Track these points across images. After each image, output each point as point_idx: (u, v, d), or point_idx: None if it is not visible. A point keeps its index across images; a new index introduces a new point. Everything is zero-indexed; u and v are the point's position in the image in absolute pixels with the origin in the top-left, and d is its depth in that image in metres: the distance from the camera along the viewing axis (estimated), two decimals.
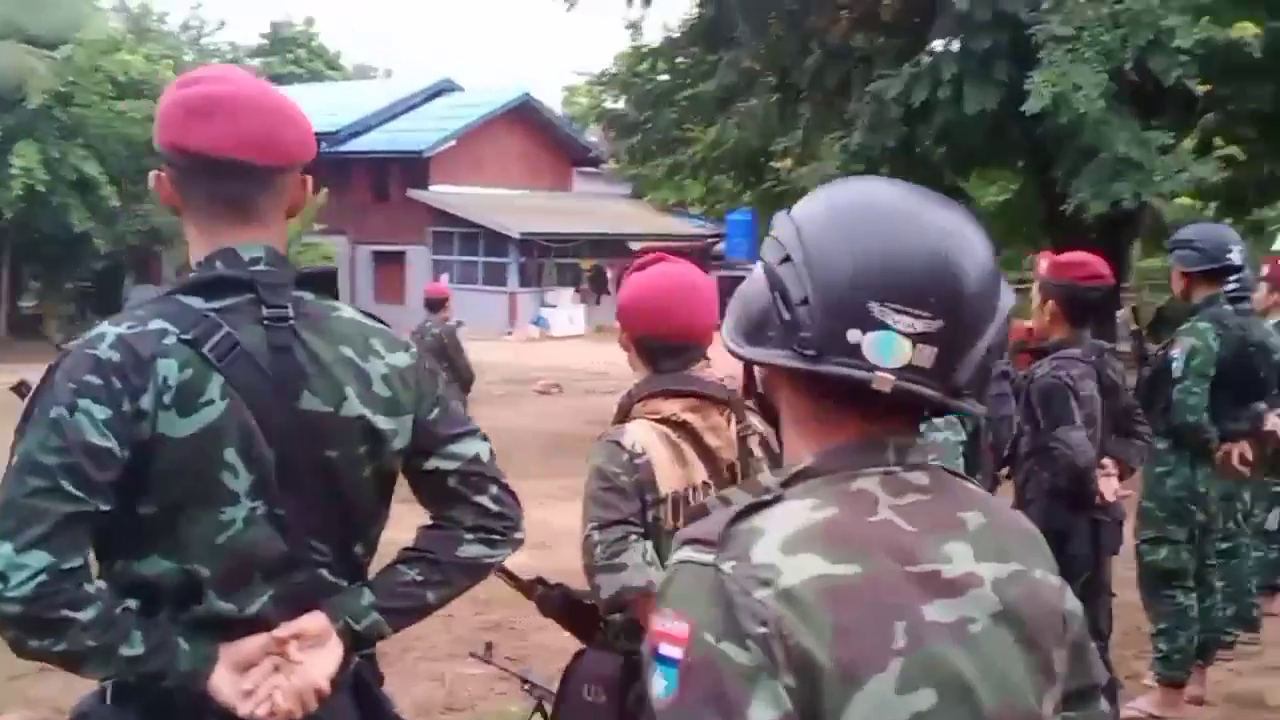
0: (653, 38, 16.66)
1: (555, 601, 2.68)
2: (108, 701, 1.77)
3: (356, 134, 30.78)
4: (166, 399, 1.68)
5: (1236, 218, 12.96)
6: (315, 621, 1.79)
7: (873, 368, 1.14)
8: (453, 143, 29.79)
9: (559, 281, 29.87)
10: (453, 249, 29.77)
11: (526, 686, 3.42)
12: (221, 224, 1.82)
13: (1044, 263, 4.08)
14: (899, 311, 1.14)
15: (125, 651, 1.64)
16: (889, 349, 1.14)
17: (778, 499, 1.17)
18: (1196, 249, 4.78)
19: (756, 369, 1.31)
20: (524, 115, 32.03)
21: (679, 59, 15.28)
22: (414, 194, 29.48)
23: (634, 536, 2.37)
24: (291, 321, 1.79)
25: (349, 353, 1.83)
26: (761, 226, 28.25)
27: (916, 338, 1.14)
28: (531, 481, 10.75)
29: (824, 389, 1.19)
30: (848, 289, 1.15)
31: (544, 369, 20.01)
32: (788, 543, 1.12)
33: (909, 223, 1.17)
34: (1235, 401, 4.79)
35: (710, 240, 32.99)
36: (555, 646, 6.51)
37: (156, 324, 1.72)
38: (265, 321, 1.77)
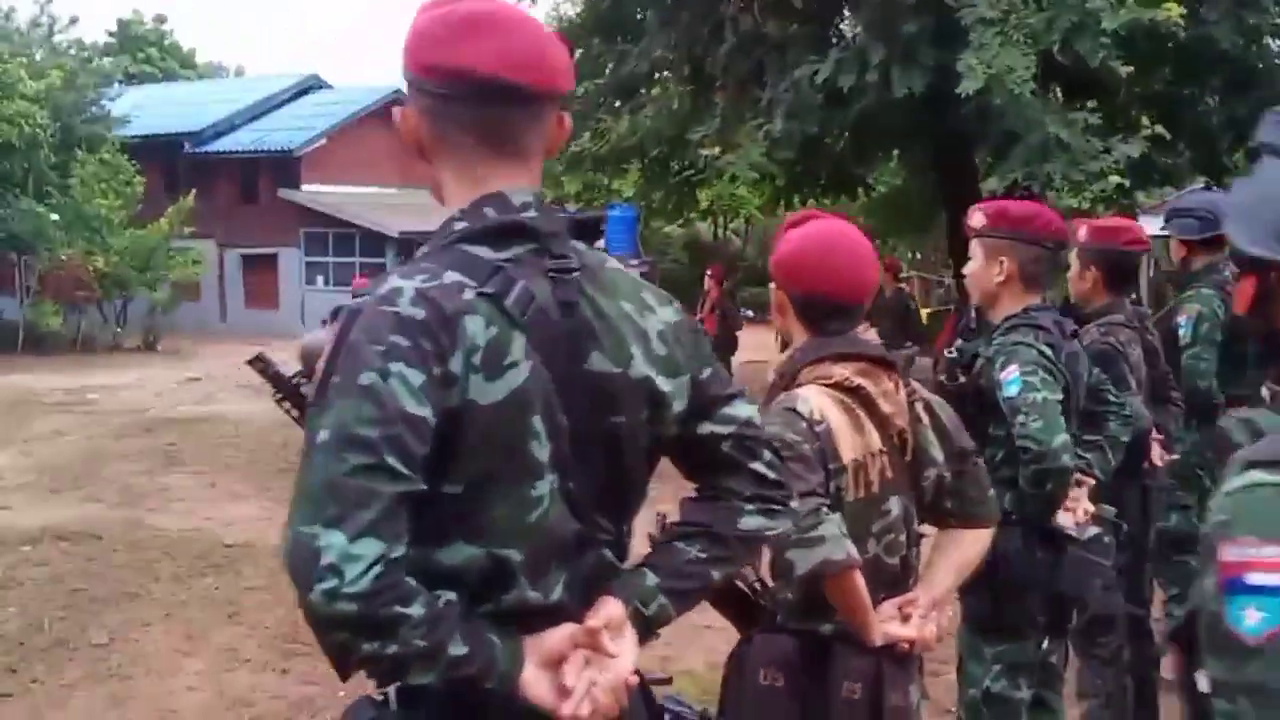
0: None
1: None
2: (393, 708, 1.56)
3: (221, 134, 29.76)
4: (476, 360, 1.49)
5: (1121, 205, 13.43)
6: (616, 608, 1.61)
7: None
8: (323, 141, 29.03)
9: None
10: (327, 250, 28.99)
11: None
12: (483, 163, 1.63)
13: (1082, 230, 4.07)
14: None
15: (453, 651, 1.43)
16: None
17: None
18: (1197, 217, 4.86)
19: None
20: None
21: (578, 50, 15.10)
22: (285, 194, 28.63)
23: (825, 508, 2.25)
24: (576, 273, 1.62)
25: (628, 307, 1.66)
26: (660, 216, 28.33)
27: None
28: None
29: None
30: None
31: None
32: None
33: None
34: (1236, 366, 4.90)
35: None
36: None
37: (452, 276, 1.52)
38: (551, 273, 1.59)
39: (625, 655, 1.58)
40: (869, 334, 2.48)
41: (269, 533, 8.64)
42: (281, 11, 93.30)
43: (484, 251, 1.57)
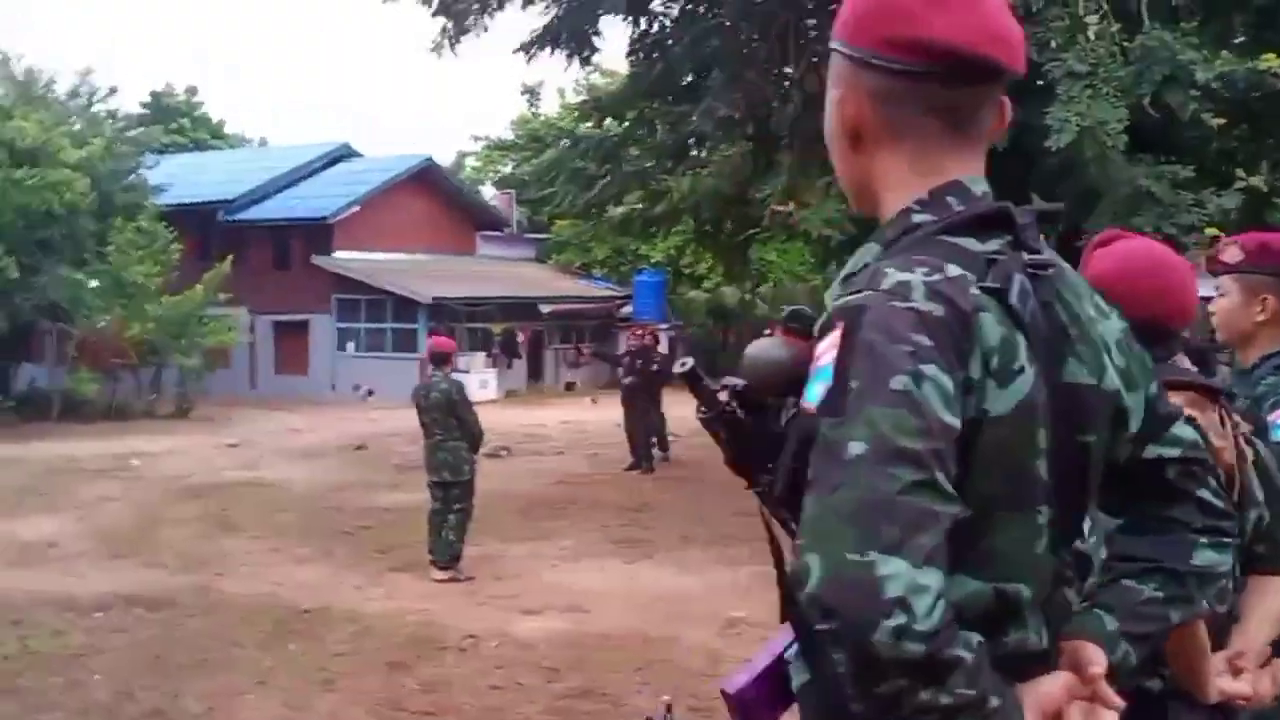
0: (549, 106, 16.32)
1: None
2: None
3: (254, 202, 29.88)
4: (991, 364, 1.30)
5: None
6: (1100, 655, 1.39)
7: None
8: (356, 208, 29.08)
9: (470, 346, 29.19)
10: (359, 316, 28.92)
11: None
12: (942, 148, 1.44)
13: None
14: None
15: (993, 702, 1.21)
16: None
17: None
18: None
19: None
20: (426, 180, 31.55)
21: (627, 114, 15.15)
22: (318, 261, 28.64)
23: None
24: (1051, 270, 1.42)
25: (1091, 311, 1.47)
26: (688, 281, 28.23)
27: None
28: (529, 544, 10.28)
29: None
30: None
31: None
32: None
33: None
34: None
35: (619, 302, 32.87)
36: (651, 709, 6.08)
37: (954, 269, 1.33)
38: (1030, 270, 1.39)
39: (1119, 707, 1.36)
40: (1184, 361, 2.28)
41: (345, 597, 8.42)
42: (305, 85, 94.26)
43: (970, 243, 1.38)
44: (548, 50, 13.89)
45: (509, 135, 38.52)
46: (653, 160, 14.51)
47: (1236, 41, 9.05)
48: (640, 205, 14.34)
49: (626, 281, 34.78)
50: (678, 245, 32.46)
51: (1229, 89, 8.35)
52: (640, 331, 15.30)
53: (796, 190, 11.00)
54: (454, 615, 7.90)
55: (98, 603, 8.16)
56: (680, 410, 18.97)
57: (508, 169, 38.02)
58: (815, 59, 11.32)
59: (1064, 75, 8.60)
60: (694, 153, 14.93)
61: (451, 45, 15.75)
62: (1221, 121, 8.48)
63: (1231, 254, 3.01)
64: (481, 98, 79.27)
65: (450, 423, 8.91)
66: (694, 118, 11.99)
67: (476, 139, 39.66)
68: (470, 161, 41.98)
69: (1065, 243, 13.73)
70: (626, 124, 15.17)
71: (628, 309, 33.17)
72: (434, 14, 15.71)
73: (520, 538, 10.52)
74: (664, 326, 33.11)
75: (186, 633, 7.49)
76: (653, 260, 34.09)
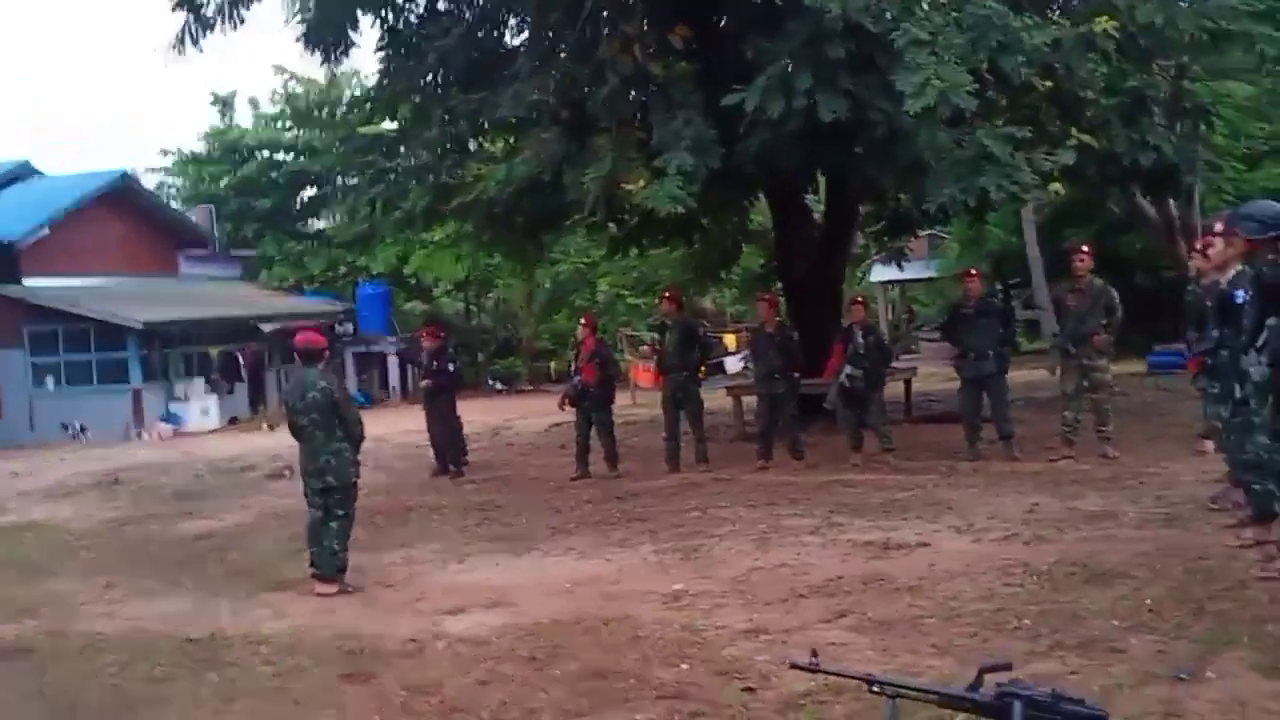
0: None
1: None
2: None
3: None
4: None
5: None
6: None
7: None
8: (46, 231, 26.50)
9: (186, 372, 27.24)
10: (57, 348, 26.42)
11: (875, 688, 3.05)
12: None
13: None
14: None
15: None
16: None
17: None
18: (1257, 220, 5.88)
19: None
20: (123, 198, 29.17)
21: (402, 107, 14.67)
22: (4, 290, 25.91)
23: None
24: None
25: None
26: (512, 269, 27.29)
27: None
28: (397, 552, 9.69)
29: None
30: None
31: (235, 458, 18.06)
32: None
33: None
34: None
35: (341, 316, 31.59)
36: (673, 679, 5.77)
37: None
38: None
39: None
40: None
41: (231, 622, 7.65)
42: None
43: None
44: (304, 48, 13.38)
45: (200, 147, 36.35)
46: (435, 153, 14.08)
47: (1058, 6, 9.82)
48: (424, 199, 13.85)
49: (343, 295, 33.57)
50: (399, 254, 31.66)
51: (1055, 53, 9.00)
52: (434, 330, 14.79)
53: (620, 173, 10.95)
54: (371, 625, 7.31)
55: None
56: (471, 415, 18.47)
57: (204, 184, 35.80)
58: (629, 41, 11.33)
59: (909, 43, 8.99)
60: (472, 144, 14.66)
61: (195, 41, 14.74)
62: (1049, 84, 9.13)
63: None
64: (157, 108, 73.22)
65: (332, 423, 8.27)
66: (500, 105, 11.72)
67: (166, 153, 37.04)
68: (157, 176, 39.23)
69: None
70: (403, 120, 14.71)
71: (348, 326, 32.01)
72: (174, 8, 14.67)
73: (384, 546, 9.91)
74: (391, 339, 32.21)
75: (77, 677, 6.57)
76: (374, 272, 33.08)
